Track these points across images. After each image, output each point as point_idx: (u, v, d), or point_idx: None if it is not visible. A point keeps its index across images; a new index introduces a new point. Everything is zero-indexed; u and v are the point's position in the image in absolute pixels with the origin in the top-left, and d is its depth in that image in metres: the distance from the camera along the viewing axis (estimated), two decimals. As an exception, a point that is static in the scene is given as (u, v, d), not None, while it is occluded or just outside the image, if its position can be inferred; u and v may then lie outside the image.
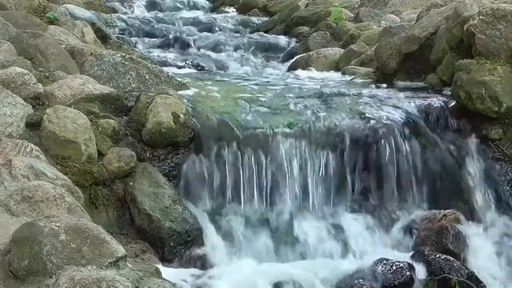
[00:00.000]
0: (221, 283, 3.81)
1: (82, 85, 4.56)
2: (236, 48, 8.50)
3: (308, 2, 9.83)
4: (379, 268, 3.90)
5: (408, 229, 4.46)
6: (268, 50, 8.58)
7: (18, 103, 4.17)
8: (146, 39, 8.61)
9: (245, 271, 4.00)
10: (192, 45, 8.55)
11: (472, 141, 4.76)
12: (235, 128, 4.51)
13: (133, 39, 8.46)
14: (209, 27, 9.39)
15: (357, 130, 4.65)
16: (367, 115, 4.78)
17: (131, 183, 4.16)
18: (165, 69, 5.92)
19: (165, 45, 8.41)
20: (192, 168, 4.37)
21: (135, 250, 3.89)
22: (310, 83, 5.95)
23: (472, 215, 4.55)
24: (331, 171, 4.54)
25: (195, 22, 9.55)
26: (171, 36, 8.69)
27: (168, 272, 3.51)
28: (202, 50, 8.40)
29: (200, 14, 10.76)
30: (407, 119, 4.79)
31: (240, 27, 9.68)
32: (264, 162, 4.42)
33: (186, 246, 4.06)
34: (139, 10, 10.84)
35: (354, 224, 4.46)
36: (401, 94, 5.23)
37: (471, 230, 4.42)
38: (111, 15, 9.26)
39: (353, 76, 6.28)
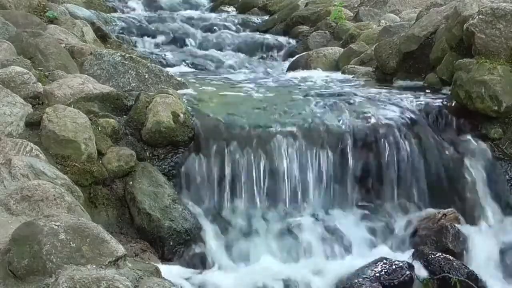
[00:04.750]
0: (221, 282, 3.81)
1: (81, 85, 4.56)
2: (236, 48, 8.50)
3: (307, 1, 9.83)
4: (379, 267, 3.90)
5: (408, 229, 4.46)
6: (268, 50, 8.58)
7: (18, 102, 4.17)
8: (146, 38, 8.61)
9: (244, 270, 4.01)
10: (192, 44, 8.55)
11: (472, 141, 4.76)
12: (234, 128, 4.51)
13: (133, 38, 8.46)
14: (208, 27, 9.39)
15: (356, 129, 4.64)
16: (366, 114, 4.78)
17: (131, 183, 4.16)
18: (165, 68, 5.92)
19: (165, 44, 8.41)
20: (191, 167, 4.37)
21: (134, 249, 3.89)
22: (309, 82, 5.95)
23: (472, 214, 4.55)
24: (331, 170, 4.54)
25: (195, 22, 9.55)
26: (170, 35, 8.69)
27: (167, 271, 3.50)
28: (201, 49, 8.40)
29: (199, 13, 10.76)
30: (407, 118, 4.79)
31: (240, 26, 9.67)
32: (263, 162, 4.42)
33: (186, 245, 4.06)
34: (139, 9, 10.84)
35: (354, 223, 4.46)
36: (401, 94, 5.23)
37: (471, 229, 4.42)
38: (111, 14, 9.26)
39: (352, 75, 6.28)
